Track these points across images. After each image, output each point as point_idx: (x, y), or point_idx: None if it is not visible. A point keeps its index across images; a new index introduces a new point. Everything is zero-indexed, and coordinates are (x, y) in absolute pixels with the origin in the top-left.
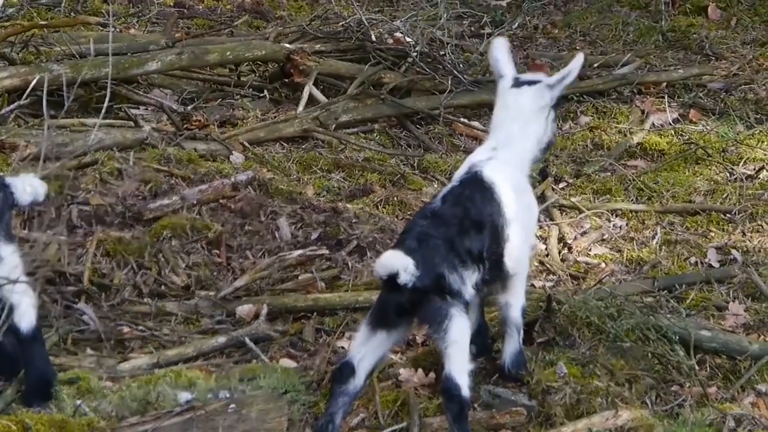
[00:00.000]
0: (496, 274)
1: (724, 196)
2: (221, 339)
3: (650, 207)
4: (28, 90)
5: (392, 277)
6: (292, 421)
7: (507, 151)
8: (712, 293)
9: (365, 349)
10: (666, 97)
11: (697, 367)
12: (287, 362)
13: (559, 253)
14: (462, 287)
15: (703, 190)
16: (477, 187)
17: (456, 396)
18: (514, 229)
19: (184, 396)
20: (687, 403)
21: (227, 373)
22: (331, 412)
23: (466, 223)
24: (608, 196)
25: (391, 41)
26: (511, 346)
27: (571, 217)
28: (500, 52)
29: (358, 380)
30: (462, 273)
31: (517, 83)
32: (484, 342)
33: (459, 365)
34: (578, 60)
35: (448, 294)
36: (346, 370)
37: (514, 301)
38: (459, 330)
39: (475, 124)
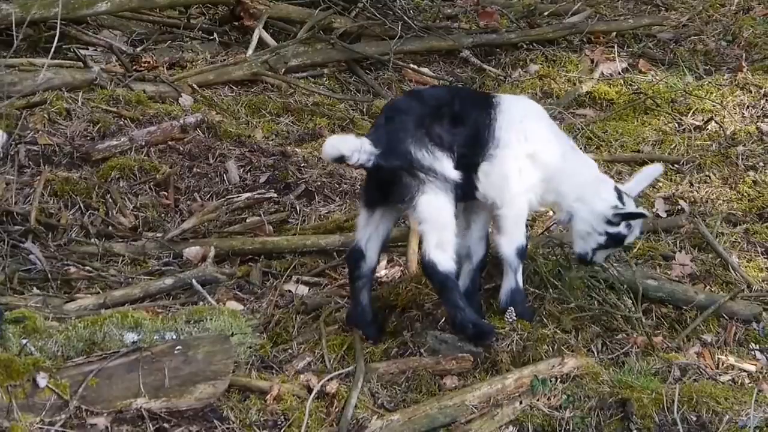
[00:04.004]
0: (467, 186)
1: (672, 146)
2: (168, 280)
3: (599, 156)
4: None
5: (342, 160)
6: (239, 364)
7: None
8: (659, 243)
9: (368, 229)
10: (615, 46)
11: (643, 317)
12: (234, 305)
13: None
14: (434, 163)
15: (651, 140)
16: (479, 94)
17: (431, 274)
18: (502, 155)
19: (131, 337)
20: (633, 352)
21: (174, 314)
22: (355, 297)
23: (444, 110)
24: None
25: None
26: (507, 283)
27: None
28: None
29: (370, 260)
30: (434, 151)
31: None
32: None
33: (432, 242)
34: None
35: (418, 170)
36: (355, 255)
37: (507, 240)
38: (428, 206)
39: (425, 70)
